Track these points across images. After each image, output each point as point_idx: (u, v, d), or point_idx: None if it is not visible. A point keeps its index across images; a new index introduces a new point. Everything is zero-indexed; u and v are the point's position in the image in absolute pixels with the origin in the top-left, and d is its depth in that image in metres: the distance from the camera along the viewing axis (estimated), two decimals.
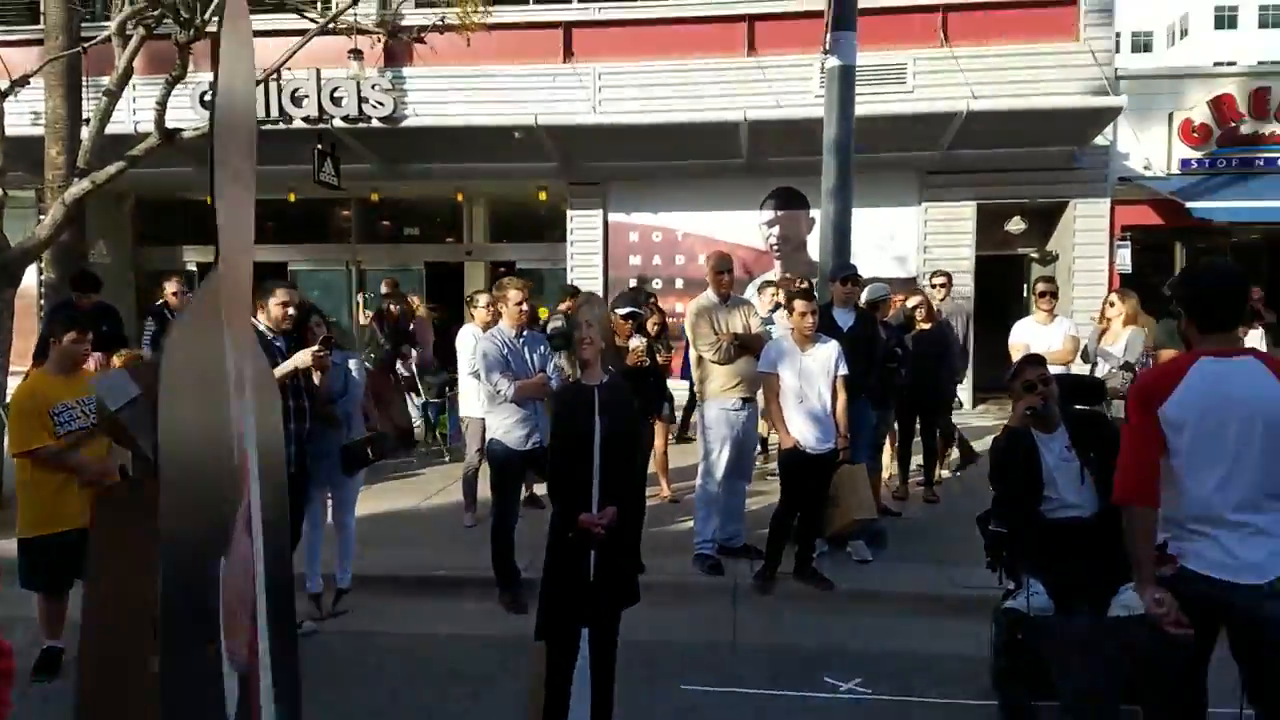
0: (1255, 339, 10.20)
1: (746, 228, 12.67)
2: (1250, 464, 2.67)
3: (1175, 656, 2.80)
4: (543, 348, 5.34)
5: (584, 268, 12.69)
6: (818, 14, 8.97)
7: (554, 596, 3.31)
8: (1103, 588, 3.91)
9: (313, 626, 5.12)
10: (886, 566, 6.02)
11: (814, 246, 10.59)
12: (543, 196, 13.17)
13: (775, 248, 12.64)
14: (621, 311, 5.76)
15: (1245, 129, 11.74)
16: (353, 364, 5.33)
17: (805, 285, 6.53)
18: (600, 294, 11.39)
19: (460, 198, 13.77)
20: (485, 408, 5.44)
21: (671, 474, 7.70)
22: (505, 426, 5.14)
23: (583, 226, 12.79)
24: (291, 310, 4.87)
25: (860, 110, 10.38)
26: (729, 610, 5.48)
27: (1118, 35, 12.06)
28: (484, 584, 5.55)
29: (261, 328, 4.83)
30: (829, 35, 6.24)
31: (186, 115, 10.92)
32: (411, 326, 9.70)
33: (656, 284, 12.52)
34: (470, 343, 6.35)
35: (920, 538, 6.60)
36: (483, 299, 6.29)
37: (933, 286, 8.00)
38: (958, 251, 12.30)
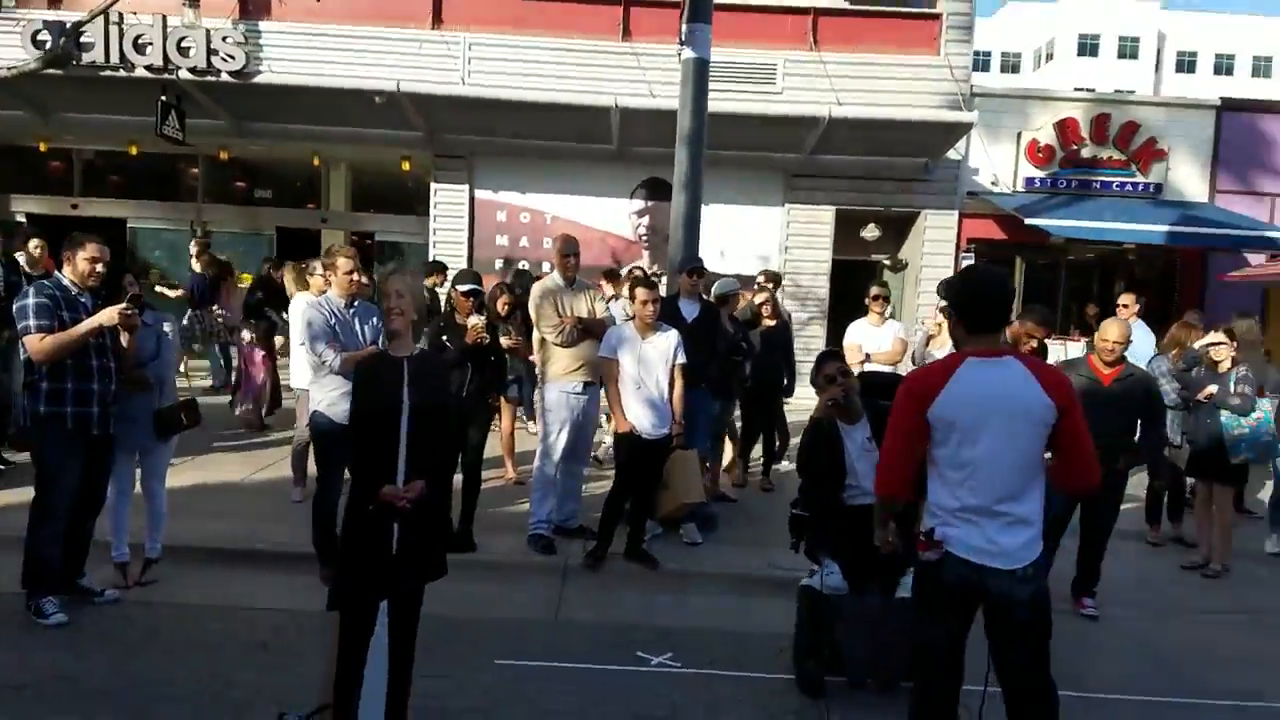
0: (1076, 349, 11.01)
1: (616, 215, 12.74)
2: (1010, 458, 2.86)
3: (935, 635, 2.99)
4: (375, 319, 5.21)
5: (448, 244, 12.48)
6: None
7: (351, 567, 3.25)
8: (894, 571, 4.16)
9: (115, 594, 4.90)
10: (714, 549, 6.19)
11: None
12: (406, 166, 12.85)
13: (644, 238, 12.75)
14: (462, 288, 5.70)
15: (1086, 152, 12.62)
16: (167, 326, 5.08)
17: (648, 275, 6.60)
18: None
19: (317, 162, 13.28)
20: (309, 378, 5.27)
21: (518, 456, 7.69)
22: (330, 399, 4.99)
23: (448, 201, 12.56)
24: (100, 267, 4.58)
25: (731, 107, 10.72)
26: (557, 589, 5.52)
27: (987, 55, 12.72)
28: (305, 559, 5.41)
29: (66, 282, 4.54)
30: (684, 26, 6.32)
31: (16, 55, 10.14)
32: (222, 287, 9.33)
33: (524, 265, 12.43)
34: (301, 311, 6.13)
35: (751, 523, 6.82)
36: (317, 266, 6.08)
37: (758, 288, 8.13)
38: (817, 254, 12.76)
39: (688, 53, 6.26)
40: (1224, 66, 49.53)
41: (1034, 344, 5.95)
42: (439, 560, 3.52)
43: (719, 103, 10.31)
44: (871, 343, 7.29)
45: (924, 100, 11.86)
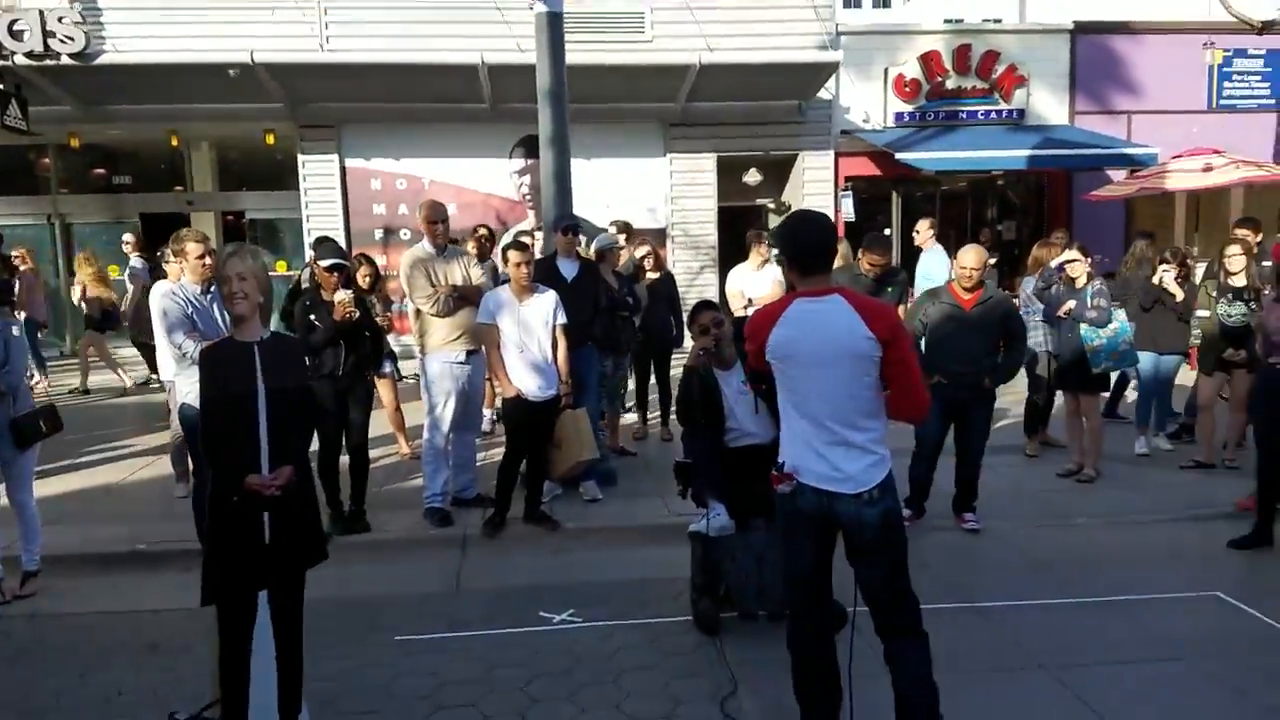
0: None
1: (497, 176, 12.54)
2: (841, 390, 2.99)
3: (800, 561, 3.13)
4: None
5: (322, 217, 12.08)
6: None
7: (222, 560, 3.17)
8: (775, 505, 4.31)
9: None
10: (614, 504, 6.27)
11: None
12: (270, 140, 12.32)
13: (527, 197, 12.59)
14: (325, 263, 5.54)
15: (950, 84, 12.95)
16: (15, 330, 4.80)
17: (517, 238, 6.53)
18: (343, 245, 10.88)
19: (176, 142, 12.61)
20: (174, 370, 5.08)
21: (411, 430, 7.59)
22: (198, 390, 4.80)
23: (317, 173, 12.13)
24: None
25: (601, 59, 10.60)
26: (457, 560, 5.51)
27: None
28: (193, 555, 5.22)
29: None
30: None
31: None
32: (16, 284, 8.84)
33: (405, 235, 12.17)
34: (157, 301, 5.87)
35: (651, 474, 6.93)
36: (170, 253, 5.80)
37: (640, 241, 8.18)
38: (702, 202, 12.85)
39: (540, 6, 6.15)
40: None
41: (877, 271, 6.22)
42: (318, 545, 3.47)
43: (588, 54, 10.24)
44: (752, 287, 7.42)
45: (792, 42, 11.96)
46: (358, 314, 5.46)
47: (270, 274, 3.42)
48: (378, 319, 6.09)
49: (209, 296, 4.96)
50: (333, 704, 3.80)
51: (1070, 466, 6.89)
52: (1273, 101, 13.46)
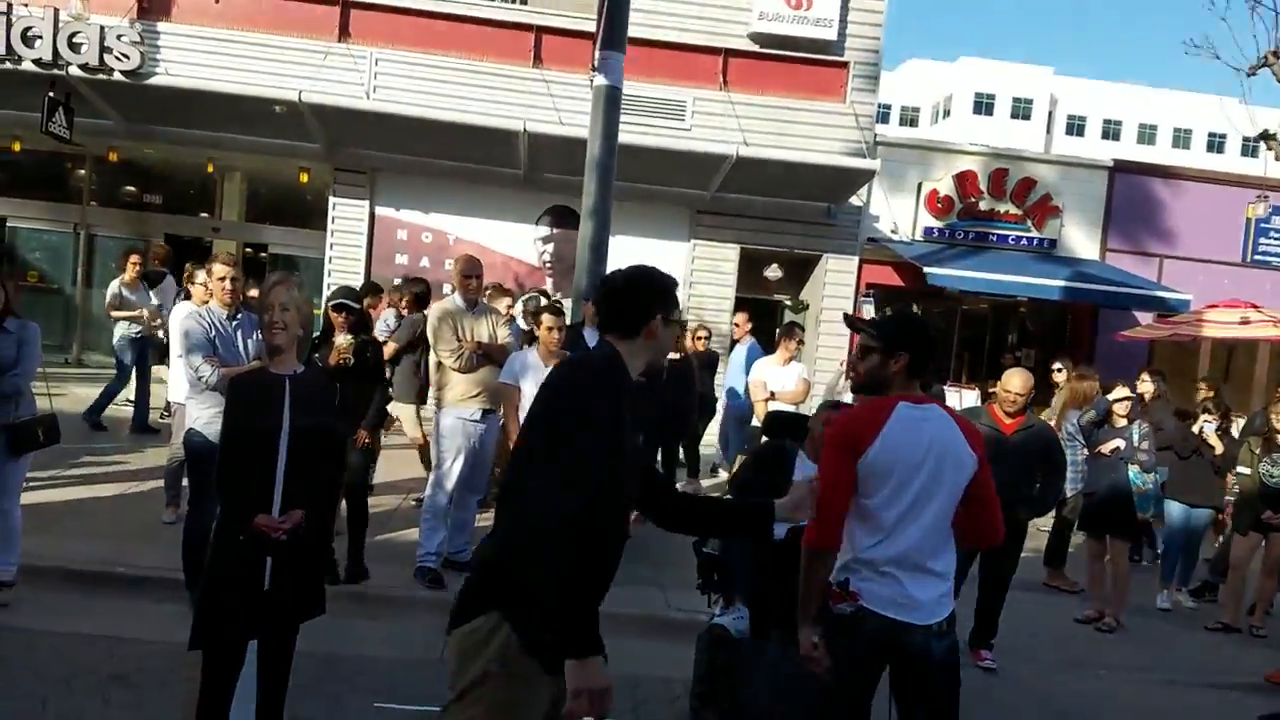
0: (972, 398, 11.30)
1: (521, 241, 12.56)
2: (934, 510, 2.78)
3: (846, 691, 2.87)
4: (259, 333, 4.91)
5: (345, 260, 12.05)
6: None
7: (217, 603, 2.97)
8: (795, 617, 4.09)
9: None
10: (611, 588, 6.00)
11: None
12: (304, 179, 12.39)
13: (548, 265, 12.61)
14: (333, 304, 5.44)
15: (984, 205, 13.05)
16: (31, 333, 4.67)
17: (553, 301, 6.48)
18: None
19: (211, 169, 12.68)
20: (186, 393, 4.92)
21: (408, 483, 7.40)
22: (208, 416, 4.65)
23: (346, 216, 12.14)
24: None
25: (641, 141, 10.73)
26: (443, 627, 5.24)
27: (888, 108, 13.18)
28: (174, 585, 5.03)
29: None
30: (597, 53, 6.26)
31: None
32: None
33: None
34: (180, 321, 5.75)
35: (649, 561, 6.67)
36: (200, 275, 5.70)
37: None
38: (722, 290, 12.84)
39: (600, 79, 6.20)
40: (1111, 132, 52.75)
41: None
42: (317, 597, 3.27)
43: (628, 136, 10.33)
44: (776, 381, 7.32)
45: (829, 146, 12.12)
46: (352, 360, 5.33)
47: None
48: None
49: (234, 323, 4.84)
50: None
51: (1090, 612, 6.60)
52: None
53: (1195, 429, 7.01)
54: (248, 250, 13.39)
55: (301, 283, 3.17)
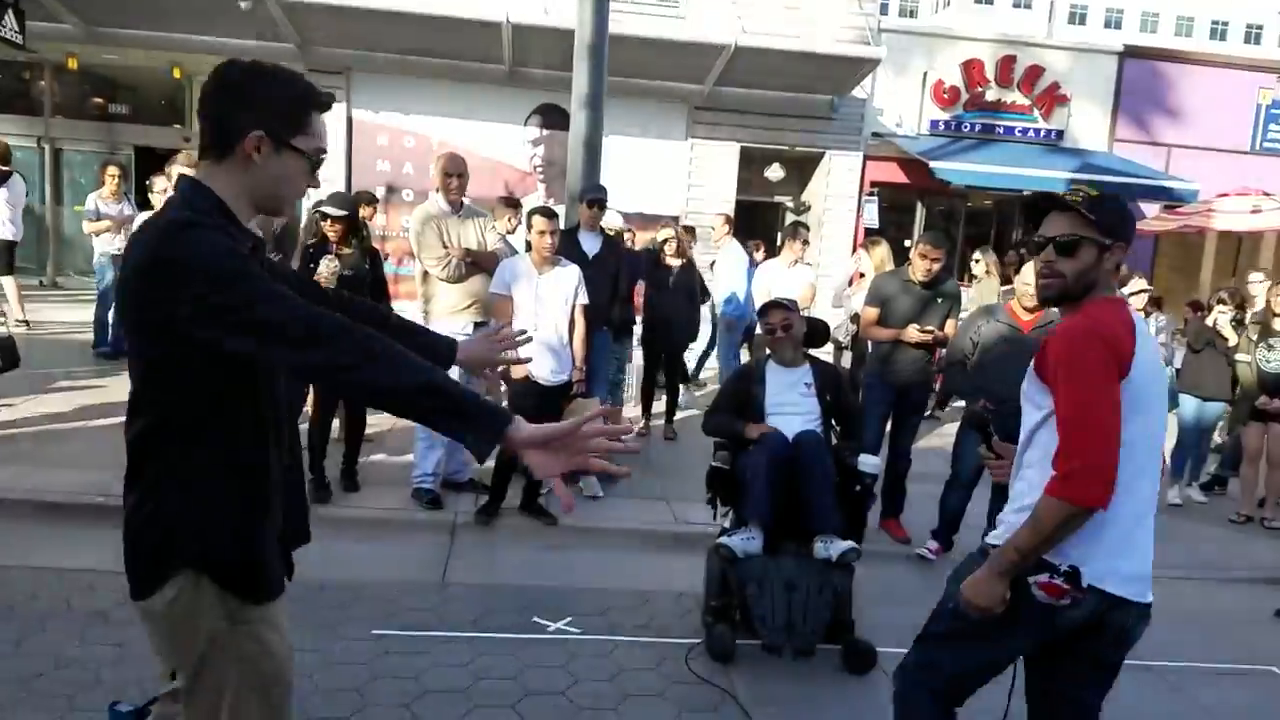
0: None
1: (510, 144, 12.01)
2: (1158, 445, 2.26)
3: (1001, 657, 2.36)
4: None
5: (323, 168, 11.46)
6: None
7: None
8: (809, 531, 3.92)
9: None
10: (615, 503, 5.82)
11: None
12: None
13: (539, 169, 12.10)
14: (334, 213, 5.06)
15: (990, 95, 12.54)
16: None
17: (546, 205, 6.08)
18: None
19: (179, 74, 12.01)
20: None
21: None
22: None
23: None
24: None
25: (629, 30, 10.08)
26: (444, 548, 5.06)
27: None
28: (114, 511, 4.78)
29: None
30: None
31: None
32: None
33: (408, 195, 11.63)
34: None
35: (655, 474, 6.48)
36: (159, 182, 5.26)
37: (662, 225, 7.81)
38: (722, 192, 12.37)
39: None
40: (1113, 20, 51.34)
41: (933, 274, 5.44)
42: (303, 524, 3.00)
43: (618, 25, 9.69)
44: (780, 286, 6.96)
45: (831, 33, 11.50)
46: (346, 274, 4.99)
47: None
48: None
49: None
50: (300, 705, 3.29)
51: None
52: None
53: (1210, 321, 6.76)
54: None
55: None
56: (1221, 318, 6.67)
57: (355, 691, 3.51)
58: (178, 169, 4.41)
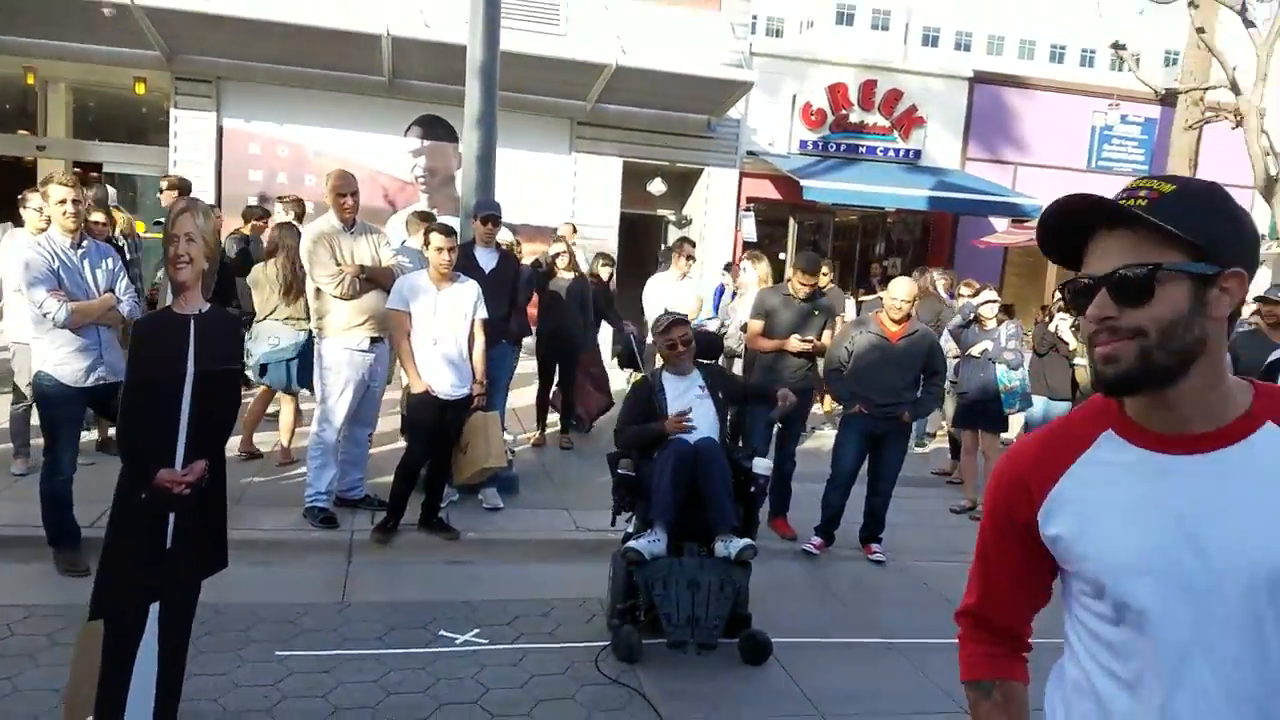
0: (850, 308, 11.52)
1: (389, 154, 11.85)
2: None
3: None
4: (108, 261, 4.39)
5: (191, 179, 10.99)
6: None
7: (120, 568, 2.65)
8: (710, 530, 4.16)
9: None
10: (515, 514, 5.90)
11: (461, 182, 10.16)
12: (141, 89, 11.20)
13: (421, 180, 11.98)
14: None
15: (854, 117, 13.20)
16: None
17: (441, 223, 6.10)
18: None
19: (31, 80, 11.30)
20: (32, 332, 4.37)
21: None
22: (58, 357, 4.16)
23: (191, 130, 11.09)
24: None
25: (511, 46, 10.09)
26: (342, 567, 5.02)
27: (755, 18, 13.09)
28: (35, 543, 4.57)
29: None
30: None
31: None
32: None
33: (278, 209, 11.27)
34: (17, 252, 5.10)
35: (553, 484, 6.59)
36: (34, 199, 5.01)
37: (554, 239, 7.97)
38: (606, 206, 12.55)
39: None
40: (963, 43, 54.58)
41: (809, 290, 5.86)
42: (220, 549, 3.00)
43: (502, 39, 9.77)
44: (671, 298, 7.20)
45: (707, 55, 11.87)
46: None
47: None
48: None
49: (79, 252, 4.30)
50: None
51: (964, 503, 6.96)
52: (1146, 168, 14.40)
53: (1051, 327, 7.37)
54: (76, 170, 12.11)
55: (209, 210, 2.77)
56: (1062, 324, 7.29)
57: (265, 713, 3.48)
58: (56, 189, 4.21)
